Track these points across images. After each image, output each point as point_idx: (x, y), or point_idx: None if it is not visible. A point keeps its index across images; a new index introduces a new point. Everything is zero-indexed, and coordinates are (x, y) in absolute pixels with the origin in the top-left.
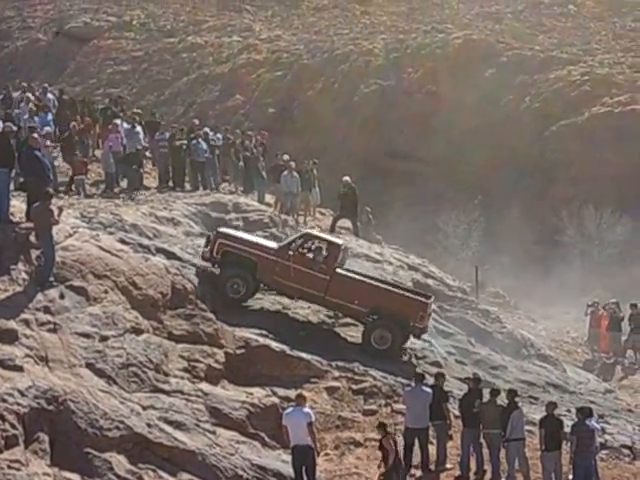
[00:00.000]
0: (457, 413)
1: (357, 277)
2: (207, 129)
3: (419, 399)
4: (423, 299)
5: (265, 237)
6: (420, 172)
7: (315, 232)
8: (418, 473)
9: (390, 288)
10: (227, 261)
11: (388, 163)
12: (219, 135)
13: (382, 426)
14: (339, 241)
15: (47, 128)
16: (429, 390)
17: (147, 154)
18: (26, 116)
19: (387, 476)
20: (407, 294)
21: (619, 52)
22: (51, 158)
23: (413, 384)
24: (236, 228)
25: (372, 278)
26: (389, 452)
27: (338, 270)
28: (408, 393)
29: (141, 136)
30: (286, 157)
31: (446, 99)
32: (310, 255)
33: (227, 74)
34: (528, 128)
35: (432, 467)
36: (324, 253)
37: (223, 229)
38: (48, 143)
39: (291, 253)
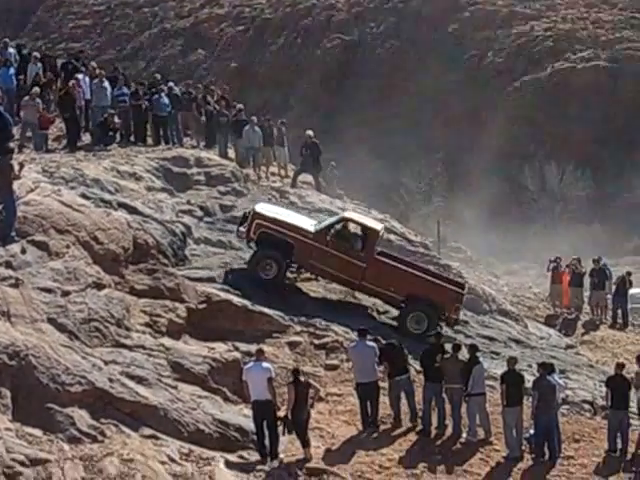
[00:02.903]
0: (419, 368)
1: (395, 264)
2: (171, 83)
3: (364, 354)
4: (459, 289)
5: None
6: (381, 127)
7: (354, 216)
8: (383, 427)
9: (427, 277)
10: (263, 241)
11: (349, 118)
12: (178, 87)
13: (295, 372)
14: (378, 227)
15: (35, 89)
16: (373, 344)
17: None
18: None
19: (282, 420)
20: (444, 284)
21: (582, 7)
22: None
23: (357, 339)
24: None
25: (408, 264)
26: (290, 399)
27: (376, 257)
28: (353, 349)
29: (108, 92)
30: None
31: (408, 54)
32: (348, 240)
33: (189, 28)
34: (491, 83)
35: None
36: (361, 237)
37: (260, 208)
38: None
39: (329, 238)
